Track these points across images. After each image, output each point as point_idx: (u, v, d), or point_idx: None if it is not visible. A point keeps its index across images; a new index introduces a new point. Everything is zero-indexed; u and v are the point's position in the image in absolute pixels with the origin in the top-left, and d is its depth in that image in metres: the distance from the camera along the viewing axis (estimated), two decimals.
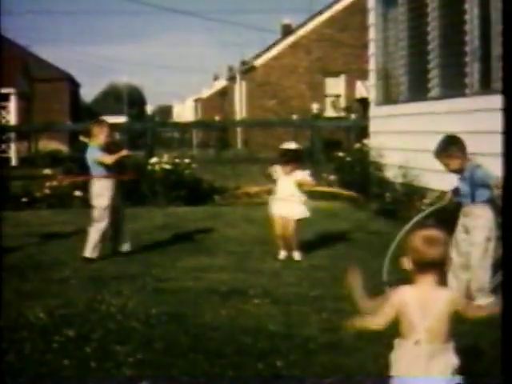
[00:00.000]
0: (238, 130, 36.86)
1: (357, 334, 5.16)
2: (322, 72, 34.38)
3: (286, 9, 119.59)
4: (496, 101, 7.61)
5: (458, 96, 9.92)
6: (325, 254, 8.42)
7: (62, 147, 29.88)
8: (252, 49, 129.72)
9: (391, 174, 11.78)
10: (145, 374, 4.57)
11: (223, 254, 8.56)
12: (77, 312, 5.97)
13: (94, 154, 8.26)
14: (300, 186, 8.13)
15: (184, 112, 72.77)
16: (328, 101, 34.59)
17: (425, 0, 11.07)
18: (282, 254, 8.21)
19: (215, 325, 5.57)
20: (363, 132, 14.28)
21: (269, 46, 37.25)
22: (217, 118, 39.72)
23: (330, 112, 33.26)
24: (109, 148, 8.34)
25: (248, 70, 37.52)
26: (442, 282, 3.24)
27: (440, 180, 8.31)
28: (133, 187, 12.19)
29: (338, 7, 34.66)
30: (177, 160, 14.11)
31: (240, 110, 39.94)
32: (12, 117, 31.35)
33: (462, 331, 5.11)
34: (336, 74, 34.48)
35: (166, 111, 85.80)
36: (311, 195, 8.55)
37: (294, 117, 27.71)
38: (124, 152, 8.49)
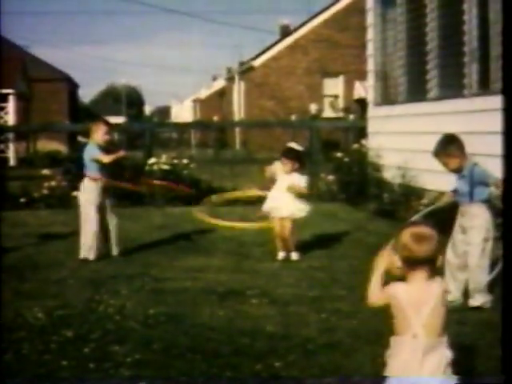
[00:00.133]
0: (237, 130, 36.85)
1: (355, 335, 5.16)
2: (321, 72, 34.41)
3: (285, 10, 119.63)
4: (495, 101, 7.63)
5: (457, 97, 9.92)
6: (323, 255, 8.41)
7: (60, 148, 29.86)
8: (250, 49, 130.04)
9: (389, 174, 11.77)
10: (143, 374, 4.56)
11: (221, 254, 8.55)
12: (75, 312, 5.96)
13: (92, 152, 8.22)
14: (290, 189, 8.13)
15: (182, 112, 72.73)
16: (326, 101, 34.62)
17: (423, 0, 11.07)
18: (281, 255, 8.21)
19: (213, 325, 5.56)
20: (361, 132, 14.27)
21: (267, 46, 37.25)
22: (215, 118, 39.72)
23: (328, 112, 33.29)
24: (107, 147, 8.33)
25: (246, 70, 37.52)
26: (433, 278, 3.24)
27: (438, 181, 8.31)
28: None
29: (336, 8, 34.70)
30: (175, 160, 14.10)
31: (238, 111, 39.94)
32: (11, 117, 31.32)
33: (463, 331, 5.13)
34: (334, 75, 34.51)
35: (164, 112, 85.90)
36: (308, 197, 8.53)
37: (293, 117, 27.71)
38: (121, 153, 8.48)
